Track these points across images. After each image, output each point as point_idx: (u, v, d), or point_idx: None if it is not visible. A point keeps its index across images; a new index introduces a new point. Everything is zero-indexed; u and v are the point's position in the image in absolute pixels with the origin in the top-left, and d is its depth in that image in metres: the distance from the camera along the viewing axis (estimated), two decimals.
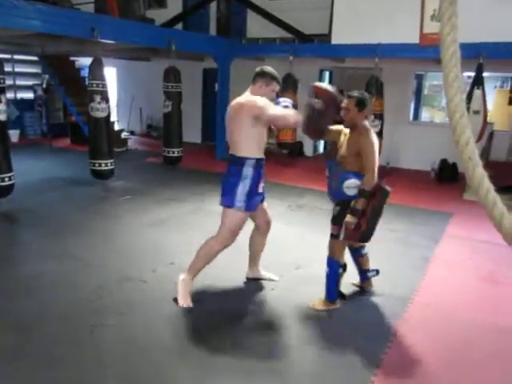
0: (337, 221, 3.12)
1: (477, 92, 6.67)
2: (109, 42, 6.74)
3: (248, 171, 3.12)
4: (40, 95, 11.48)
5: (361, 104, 3.06)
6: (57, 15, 5.84)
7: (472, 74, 7.04)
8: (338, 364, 2.64)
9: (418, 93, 9.99)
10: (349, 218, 2.97)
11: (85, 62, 12.13)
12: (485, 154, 8.13)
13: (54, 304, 3.20)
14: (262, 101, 3.06)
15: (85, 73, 11.84)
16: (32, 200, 5.89)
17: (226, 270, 3.74)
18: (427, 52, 6.54)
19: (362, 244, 3.40)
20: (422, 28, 6.54)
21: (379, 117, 7.43)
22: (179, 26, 9.92)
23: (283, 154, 9.34)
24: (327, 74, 10.31)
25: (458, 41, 1.00)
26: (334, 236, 3.17)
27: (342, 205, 3.08)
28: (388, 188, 3.01)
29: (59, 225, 4.98)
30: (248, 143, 3.12)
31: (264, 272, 3.77)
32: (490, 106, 9.35)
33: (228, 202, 3.16)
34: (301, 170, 8.67)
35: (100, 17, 6.76)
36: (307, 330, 3.00)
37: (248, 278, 3.74)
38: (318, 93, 3.15)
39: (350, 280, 3.61)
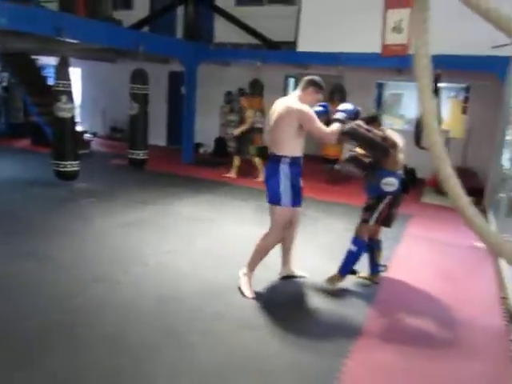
0: (369, 209, 3.70)
1: None
2: (75, 41, 6.66)
3: (285, 168, 3.36)
4: None
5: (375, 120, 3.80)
6: (22, 12, 5.73)
7: None
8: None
9: (379, 100, 10.39)
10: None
11: (46, 61, 11.88)
12: None
13: (24, 305, 3.17)
14: (311, 112, 3.33)
15: (46, 72, 11.61)
16: None
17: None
18: (388, 62, 6.87)
19: (379, 238, 4.02)
20: (383, 39, 6.82)
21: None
22: (146, 29, 9.89)
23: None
24: (292, 80, 10.56)
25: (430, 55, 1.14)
26: (365, 221, 3.73)
27: (377, 198, 3.65)
28: None
29: (26, 225, 4.89)
30: (286, 143, 3.36)
31: (295, 269, 3.93)
32: (445, 115, 9.84)
33: (274, 199, 3.41)
34: None
35: (66, 15, 6.66)
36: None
37: (283, 276, 3.89)
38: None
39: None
